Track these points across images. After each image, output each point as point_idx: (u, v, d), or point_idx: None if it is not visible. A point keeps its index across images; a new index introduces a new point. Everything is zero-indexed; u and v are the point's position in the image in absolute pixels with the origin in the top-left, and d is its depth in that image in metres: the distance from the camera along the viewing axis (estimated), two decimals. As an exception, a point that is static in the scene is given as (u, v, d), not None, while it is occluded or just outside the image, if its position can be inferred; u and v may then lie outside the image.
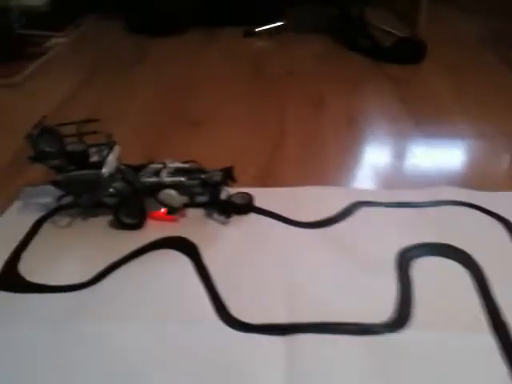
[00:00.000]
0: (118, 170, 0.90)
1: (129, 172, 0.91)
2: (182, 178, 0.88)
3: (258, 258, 0.79)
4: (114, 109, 1.32)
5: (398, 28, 1.78)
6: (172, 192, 0.87)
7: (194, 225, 0.87)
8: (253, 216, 0.89)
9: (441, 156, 1.08)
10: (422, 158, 1.06)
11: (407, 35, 1.71)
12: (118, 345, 0.66)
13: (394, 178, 1.00)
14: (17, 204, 0.94)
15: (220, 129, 1.21)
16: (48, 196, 0.95)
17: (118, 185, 0.88)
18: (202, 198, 0.91)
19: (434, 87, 1.39)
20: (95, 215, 0.90)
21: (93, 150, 0.88)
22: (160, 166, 0.92)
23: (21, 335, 0.68)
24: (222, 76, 1.52)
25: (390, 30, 1.75)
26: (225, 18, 1.95)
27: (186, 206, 0.90)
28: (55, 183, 0.88)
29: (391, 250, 0.80)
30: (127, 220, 0.86)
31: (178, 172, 0.90)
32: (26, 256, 0.82)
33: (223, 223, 0.87)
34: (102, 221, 0.89)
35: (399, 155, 1.08)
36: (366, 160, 1.07)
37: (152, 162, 0.93)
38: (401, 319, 0.69)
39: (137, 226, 0.87)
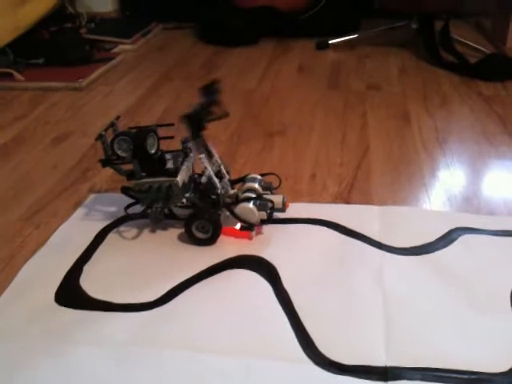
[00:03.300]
0: (192, 180, 0.82)
1: (204, 183, 0.83)
2: (261, 191, 0.79)
3: (348, 286, 0.69)
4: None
5: (482, 43, 1.67)
6: (252, 206, 0.78)
7: (272, 244, 0.78)
8: (337, 236, 0.79)
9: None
10: (526, 181, 0.94)
11: (495, 51, 1.59)
12: (188, 378, 0.57)
13: (494, 203, 0.88)
14: (81, 211, 0.88)
15: (297, 140, 1.12)
16: (114, 204, 0.88)
17: (193, 196, 0.80)
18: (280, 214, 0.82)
19: (530, 106, 1.26)
20: (164, 227, 0.82)
21: (168, 156, 0.80)
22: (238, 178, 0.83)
23: (79, 359, 0.60)
24: (297, 87, 1.44)
25: (474, 45, 1.63)
26: (295, 30, 1.88)
27: (263, 222, 0.80)
28: (125, 190, 0.81)
29: (505, 285, 0.69)
30: (199, 234, 0.78)
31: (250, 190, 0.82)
32: (88, 269, 0.75)
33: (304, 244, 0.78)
34: (172, 234, 0.81)
35: (499, 177, 0.96)
36: (460, 181, 0.95)
37: (229, 173, 0.85)
38: (522, 370, 0.57)
39: (209, 241, 0.78)
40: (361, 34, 1.79)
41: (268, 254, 0.76)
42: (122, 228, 0.83)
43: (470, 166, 1.00)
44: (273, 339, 0.62)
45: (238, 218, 0.79)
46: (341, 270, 0.72)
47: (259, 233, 0.81)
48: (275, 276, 0.72)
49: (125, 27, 1.92)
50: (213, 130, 1.10)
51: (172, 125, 0.82)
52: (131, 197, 0.82)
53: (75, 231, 0.82)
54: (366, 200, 0.89)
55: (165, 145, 0.81)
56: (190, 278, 0.72)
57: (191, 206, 0.80)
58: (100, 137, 0.78)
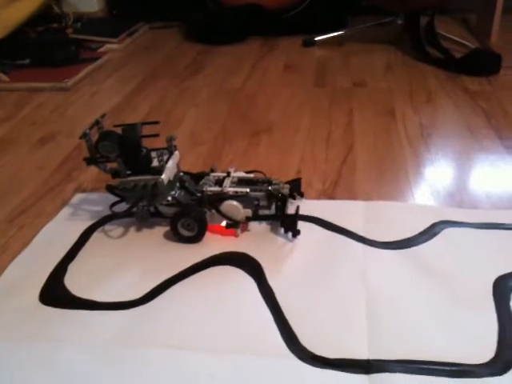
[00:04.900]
0: (177, 178, 0.82)
1: (188, 180, 0.83)
2: (247, 189, 0.79)
3: (331, 281, 0.70)
4: (169, 116, 1.26)
5: (468, 38, 1.68)
6: (236, 204, 0.78)
7: (258, 241, 0.78)
8: (322, 232, 0.80)
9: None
10: (510, 175, 0.95)
11: (480, 46, 1.60)
12: (173, 378, 0.57)
13: (477, 197, 0.89)
14: (66, 210, 0.88)
15: (283, 138, 1.12)
16: (100, 203, 0.88)
17: (177, 193, 0.80)
18: (265, 212, 0.82)
19: (513, 100, 1.27)
20: (149, 226, 0.83)
21: (153, 154, 0.80)
22: (223, 174, 0.83)
23: (64, 358, 0.60)
24: (283, 85, 1.44)
25: (459, 40, 1.64)
26: (282, 28, 1.88)
27: (249, 219, 0.81)
28: (110, 188, 0.81)
29: (486, 277, 0.69)
30: (185, 232, 0.78)
31: (241, 182, 0.82)
32: (73, 268, 0.75)
33: (290, 240, 0.78)
34: (157, 232, 0.81)
35: (483, 171, 0.97)
36: (444, 175, 0.96)
37: (213, 171, 0.85)
38: (504, 360, 0.58)
39: (195, 238, 0.78)
40: (347, 30, 1.79)
41: (253, 251, 0.76)
42: (107, 227, 0.83)
43: (454, 161, 1.01)
44: (257, 336, 0.62)
45: (224, 216, 0.79)
46: (325, 265, 0.73)
47: (245, 230, 0.81)
48: (260, 272, 0.72)
49: (111, 27, 1.91)
50: (198, 129, 1.11)
51: (157, 122, 0.82)
52: (116, 195, 0.82)
53: (60, 231, 0.82)
54: (351, 196, 0.90)
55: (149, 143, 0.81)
56: (174, 275, 0.72)
57: (177, 204, 0.80)
58: (84, 135, 0.78)
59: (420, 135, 1.11)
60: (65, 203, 0.90)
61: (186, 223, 0.77)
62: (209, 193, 0.80)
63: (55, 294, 0.70)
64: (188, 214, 0.77)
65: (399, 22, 1.73)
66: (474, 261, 0.72)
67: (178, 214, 0.78)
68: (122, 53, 1.78)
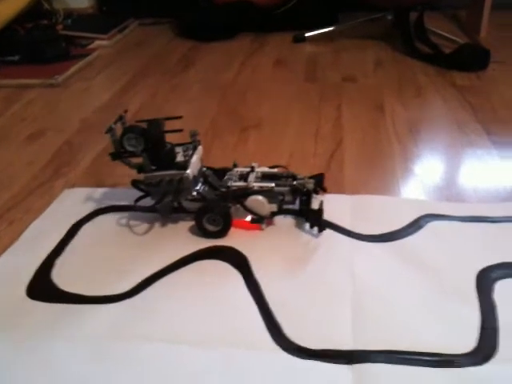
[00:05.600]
0: (201, 173, 0.83)
1: (211, 175, 0.84)
2: (273, 184, 0.80)
3: (317, 274, 0.70)
4: (160, 112, 1.26)
5: (457, 34, 1.69)
6: (262, 199, 0.78)
7: (244, 234, 0.79)
8: (307, 224, 0.80)
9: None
10: (495, 168, 0.96)
11: (469, 41, 1.61)
12: (160, 370, 0.58)
13: (463, 190, 0.90)
14: (55, 206, 0.88)
15: (274, 133, 1.13)
16: (88, 199, 0.89)
17: (201, 188, 0.81)
18: (289, 207, 0.83)
19: (502, 95, 1.28)
20: (136, 220, 0.83)
21: (177, 149, 0.81)
22: (246, 170, 0.84)
23: (52, 353, 0.60)
24: (273, 81, 1.45)
25: (449, 36, 1.65)
26: (273, 24, 1.88)
27: (274, 214, 0.81)
28: (136, 183, 0.81)
29: (470, 269, 0.70)
30: (211, 227, 0.78)
31: (265, 177, 0.82)
32: (60, 262, 0.75)
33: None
34: (144, 226, 0.82)
35: (469, 165, 0.98)
36: (431, 170, 0.96)
37: (236, 166, 0.86)
38: (485, 350, 0.59)
39: (220, 233, 0.78)
40: (337, 26, 1.80)
41: (239, 245, 0.76)
42: (94, 222, 0.83)
43: (441, 156, 1.02)
44: (243, 329, 0.63)
45: (249, 211, 0.79)
46: (311, 258, 0.73)
47: (270, 224, 0.81)
48: (246, 266, 0.72)
49: (101, 23, 1.91)
50: (189, 125, 1.11)
51: (180, 117, 0.82)
52: (141, 190, 0.82)
53: (48, 226, 0.82)
54: (339, 190, 0.90)
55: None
56: (161, 269, 0.72)
57: (201, 199, 0.80)
58: (109, 130, 0.78)
59: (408, 130, 1.12)
60: (54, 199, 0.90)
61: (212, 218, 0.78)
62: (234, 188, 0.80)
63: (43, 288, 0.70)
64: (213, 209, 0.77)
65: (389, 17, 1.74)
66: (459, 253, 0.73)
67: (203, 209, 0.78)
68: (112, 49, 1.78)
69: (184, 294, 0.68)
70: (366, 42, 1.73)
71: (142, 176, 0.80)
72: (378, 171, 0.96)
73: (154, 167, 0.79)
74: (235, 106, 1.29)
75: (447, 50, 1.51)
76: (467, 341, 0.60)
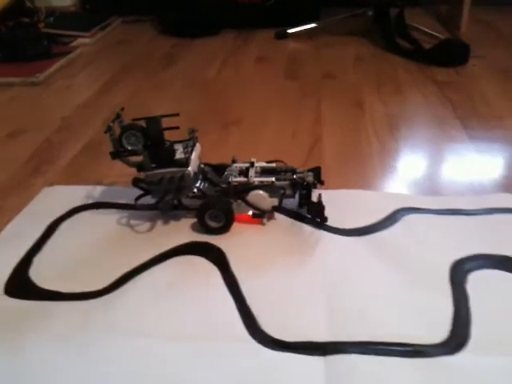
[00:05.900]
0: (200, 170, 0.83)
1: (210, 172, 0.84)
2: (273, 179, 0.80)
3: (292, 267, 0.71)
4: (143, 110, 1.25)
5: (438, 30, 1.71)
6: (263, 193, 0.79)
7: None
8: (285, 220, 0.81)
9: (492, 161, 0.98)
10: (472, 163, 0.97)
11: (449, 37, 1.62)
12: (137, 365, 0.58)
13: (441, 184, 0.91)
14: (33, 204, 0.88)
15: (254, 130, 1.13)
16: (66, 197, 0.88)
17: (201, 185, 0.81)
18: (289, 200, 0.83)
19: (480, 90, 1.29)
20: (114, 217, 0.83)
21: (176, 146, 0.81)
22: (245, 165, 0.84)
23: (30, 349, 0.61)
24: (255, 77, 1.45)
25: (430, 31, 1.67)
26: (256, 20, 1.89)
27: (275, 208, 0.81)
28: (136, 182, 0.81)
29: (444, 261, 0.71)
30: (213, 223, 0.78)
31: (265, 172, 0.83)
32: (38, 260, 0.75)
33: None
34: (121, 224, 0.82)
35: (447, 160, 0.99)
36: (409, 165, 0.98)
37: (235, 162, 0.86)
38: (457, 340, 0.60)
39: (223, 229, 0.79)
40: (319, 23, 1.81)
41: (216, 239, 0.77)
42: (73, 219, 0.83)
43: (420, 151, 1.03)
44: (220, 322, 0.63)
45: (251, 206, 0.80)
46: (287, 252, 0.74)
47: (271, 218, 0.82)
48: (223, 260, 0.73)
49: (84, 21, 1.91)
50: (170, 122, 1.11)
51: (177, 115, 0.82)
52: (142, 189, 0.82)
53: (26, 224, 0.82)
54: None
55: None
56: (138, 265, 0.73)
57: (201, 195, 0.81)
58: (108, 129, 0.78)
59: (387, 126, 1.12)
60: (33, 197, 0.90)
61: (214, 215, 0.78)
62: (235, 183, 0.81)
63: (20, 286, 0.70)
64: (215, 205, 0.78)
65: (370, 13, 1.75)
66: (433, 245, 0.74)
67: (204, 205, 0.78)
68: (95, 47, 1.78)
69: (161, 289, 0.69)
70: (346, 38, 1.75)
71: (142, 174, 0.80)
72: (356, 166, 0.97)
73: (153, 165, 0.79)
74: (217, 102, 1.30)
75: (428, 46, 1.52)
76: (440, 331, 0.61)
